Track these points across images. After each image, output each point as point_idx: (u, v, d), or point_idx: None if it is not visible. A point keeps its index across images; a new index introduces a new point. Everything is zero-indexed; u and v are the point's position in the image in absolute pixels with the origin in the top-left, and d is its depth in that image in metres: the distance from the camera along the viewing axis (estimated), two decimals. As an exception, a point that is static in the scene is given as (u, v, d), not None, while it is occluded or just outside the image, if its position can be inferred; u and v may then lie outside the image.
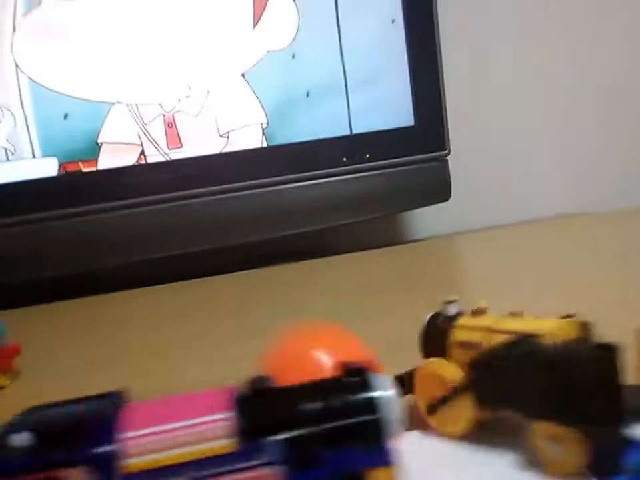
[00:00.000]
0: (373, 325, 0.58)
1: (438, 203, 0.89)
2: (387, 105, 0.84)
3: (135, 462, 0.19)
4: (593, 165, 1.07)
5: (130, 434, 0.20)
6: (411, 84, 0.84)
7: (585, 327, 0.27)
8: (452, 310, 0.35)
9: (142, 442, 0.20)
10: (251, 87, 0.80)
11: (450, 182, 0.88)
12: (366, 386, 0.21)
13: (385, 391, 0.21)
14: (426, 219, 1.03)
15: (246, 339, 0.57)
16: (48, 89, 0.75)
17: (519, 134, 1.04)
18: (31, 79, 0.74)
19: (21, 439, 0.19)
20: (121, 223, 0.78)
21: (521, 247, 0.83)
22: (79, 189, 0.77)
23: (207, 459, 0.19)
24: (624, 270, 0.67)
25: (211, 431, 0.20)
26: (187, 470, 0.19)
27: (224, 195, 0.81)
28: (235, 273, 0.85)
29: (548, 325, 0.27)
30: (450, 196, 0.88)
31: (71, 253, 0.77)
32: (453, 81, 0.88)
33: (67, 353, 0.65)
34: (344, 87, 0.83)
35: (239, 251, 0.87)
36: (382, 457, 0.20)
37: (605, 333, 0.27)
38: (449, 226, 1.02)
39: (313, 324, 0.35)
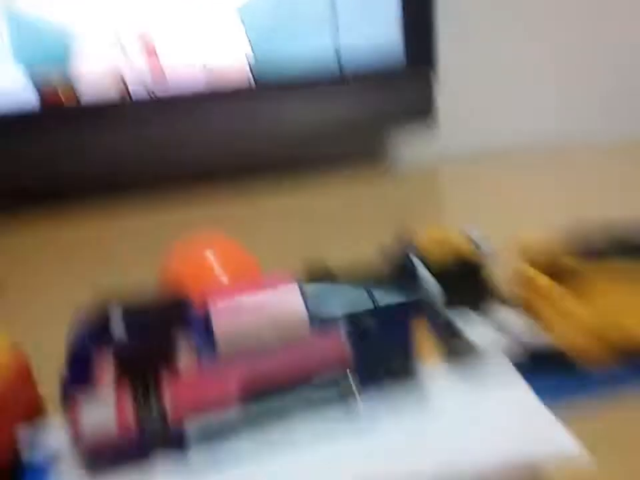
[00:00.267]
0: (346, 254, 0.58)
1: (422, 124, 0.89)
2: (373, 22, 0.82)
3: (223, 331, 0.22)
4: (581, 94, 1.07)
5: (217, 307, 0.23)
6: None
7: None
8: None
9: (228, 314, 0.22)
10: (239, 19, 0.77)
11: (435, 100, 0.87)
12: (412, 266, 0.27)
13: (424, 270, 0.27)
14: (410, 149, 1.04)
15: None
16: (24, 13, 0.72)
17: (507, 62, 1.04)
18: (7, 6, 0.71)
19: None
20: (103, 160, 0.77)
21: (507, 177, 0.84)
22: (59, 123, 0.76)
23: (285, 329, 0.22)
24: (606, 201, 0.68)
25: (286, 305, 0.23)
26: (269, 340, 0.22)
27: (208, 128, 0.80)
28: (219, 201, 0.85)
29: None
30: (435, 116, 0.88)
31: (51, 190, 0.77)
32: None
33: (47, 268, 0.65)
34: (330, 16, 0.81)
35: (221, 177, 0.87)
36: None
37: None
38: (434, 155, 1.03)
39: (204, 235, 0.40)
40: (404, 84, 0.86)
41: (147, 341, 0.21)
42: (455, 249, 0.31)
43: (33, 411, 0.25)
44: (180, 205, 0.83)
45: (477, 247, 0.32)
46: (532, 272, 0.29)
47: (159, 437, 0.21)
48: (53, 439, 0.23)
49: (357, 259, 0.30)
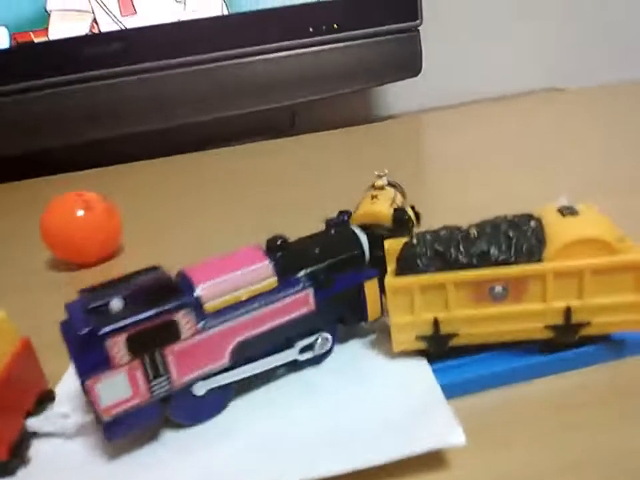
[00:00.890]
0: (332, 205, 0.59)
1: (409, 77, 0.87)
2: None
3: (211, 304, 0.26)
4: (569, 39, 1.04)
5: (203, 283, 0.26)
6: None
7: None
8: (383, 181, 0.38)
9: (214, 289, 0.26)
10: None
11: (421, 54, 0.85)
12: (352, 233, 0.31)
13: (362, 234, 0.31)
14: (396, 95, 1.01)
15: (232, 211, 0.60)
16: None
17: (495, 6, 0.99)
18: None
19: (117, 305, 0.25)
20: (77, 98, 0.76)
21: (493, 125, 0.82)
22: (31, 61, 0.74)
23: (261, 294, 0.27)
24: (592, 147, 0.67)
25: (258, 274, 0.27)
26: (248, 305, 0.27)
27: (183, 69, 0.77)
28: (202, 152, 0.85)
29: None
30: (421, 70, 0.86)
31: (23, 131, 0.76)
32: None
33: None
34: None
35: (204, 128, 0.85)
36: (370, 273, 0.30)
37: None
38: (420, 102, 1.00)
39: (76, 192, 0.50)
40: (390, 32, 0.83)
41: (153, 321, 0.25)
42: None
43: (39, 390, 0.29)
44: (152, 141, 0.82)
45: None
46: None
47: (168, 398, 0.26)
48: (59, 419, 0.27)
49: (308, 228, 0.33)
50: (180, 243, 0.53)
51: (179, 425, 0.27)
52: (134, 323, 0.24)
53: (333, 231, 0.32)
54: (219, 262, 0.28)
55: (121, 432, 0.25)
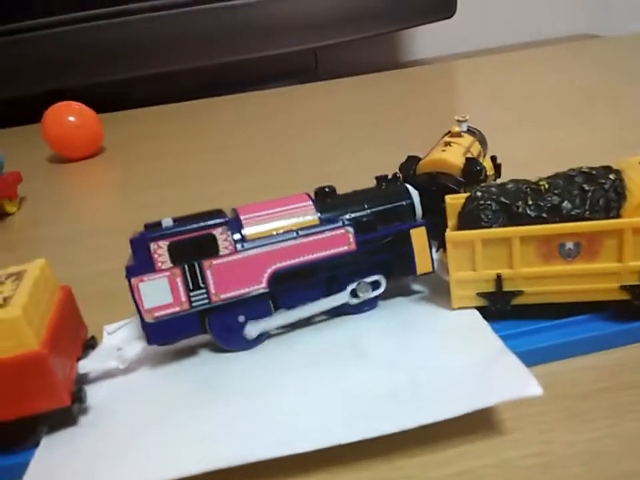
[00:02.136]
0: (364, 154, 0.57)
1: (441, 19, 0.82)
2: None
3: (251, 231, 0.28)
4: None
5: (247, 215, 0.28)
6: None
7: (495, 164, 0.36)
8: (463, 127, 0.36)
9: (256, 219, 0.28)
10: None
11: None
12: (402, 187, 0.30)
13: (413, 189, 0.30)
14: (426, 39, 0.96)
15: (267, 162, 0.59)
16: None
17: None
18: None
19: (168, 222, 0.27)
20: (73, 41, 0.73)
21: (526, 72, 0.78)
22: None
23: (302, 227, 0.28)
24: (628, 99, 0.64)
25: (301, 211, 0.29)
26: (287, 235, 0.28)
27: (195, 7, 0.74)
28: (226, 97, 0.82)
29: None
30: (455, 12, 0.81)
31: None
32: None
33: (64, 178, 0.65)
34: None
35: (225, 71, 0.82)
36: (417, 223, 0.29)
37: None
38: (451, 46, 0.96)
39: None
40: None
41: (193, 233, 0.26)
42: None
43: (83, 337, 0.29)
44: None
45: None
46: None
47: (206, 309, 0.27)
48: (114, 352, 0.27)
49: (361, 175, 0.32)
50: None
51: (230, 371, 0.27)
52: (176, 232, 0.26)
53: (383, 186, 0.31)
54: (267, 202, 0.30)
55: (163, 337, 0.27)
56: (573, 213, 0.26)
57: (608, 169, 0.26)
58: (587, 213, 0.25)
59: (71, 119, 0.65)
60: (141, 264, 0.26)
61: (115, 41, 0.74)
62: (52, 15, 0.71)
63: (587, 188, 0.26)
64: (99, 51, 0.74)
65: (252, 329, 0.28)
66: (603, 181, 0.25)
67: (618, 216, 0.25)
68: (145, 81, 0.76)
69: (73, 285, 0.29)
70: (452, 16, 0.82)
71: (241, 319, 0.28)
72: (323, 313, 0.30)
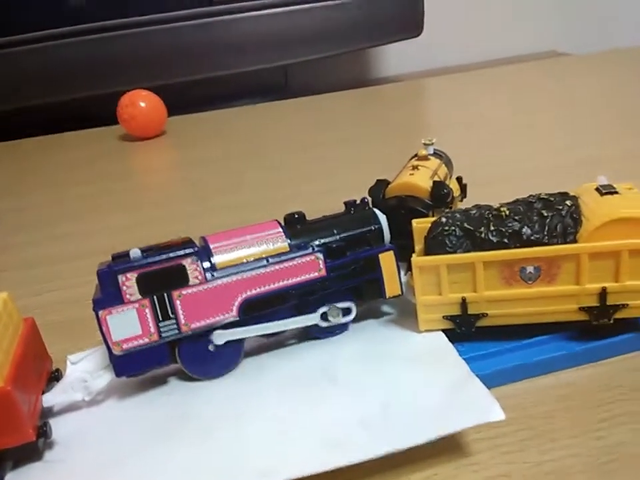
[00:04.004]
0: (333, 172, 0.57)
1: (409, 37, 0.84)
2: None
3: (221, 259, 0.28)
4: (571, 4, 1.01)
5: (217, 243, 0.28)
6: None
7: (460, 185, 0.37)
8: (430, 150, 0.37)
9: (225, 247, 0.28)
10: None
11: (423, 14, 0.82)
12: (370, 212, 0.31)
13: (381, 214, 0.31)
14: (395, 57, 0.98)
15: (230, 185, 0.58)
16: None
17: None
18: None
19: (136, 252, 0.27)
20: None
21: (494, 89, 0.80)
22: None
23: (272, 255, 0.28)
24: (591, 114, 0.66)
25: (270, 239, 0.29)
26: (256, 263, 0.28)
27: (170, 25, 0.74)
28: (195, 114, 0.82)
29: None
30: (422, 31, 0.83)
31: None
32: None
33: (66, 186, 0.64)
34: None
35: (194, 88, 0.82)
36: (385, 247, 0.30)
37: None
38: (420, 64, 0.98)
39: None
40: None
41: (163, 264, 0.27)
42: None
43: (48, 369, 0.29)
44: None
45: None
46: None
47: (175, 340, 0.28)
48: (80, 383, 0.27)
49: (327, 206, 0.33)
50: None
51: (203, 403, 0.27)
52: (145, 264, 0.26)
53: (352, 211, 0.32)
54: (237, 230, 0.30)
55: (131, 369, 0.27)
56: (532, 238, 0.26)
57: (565, 195, 0.27)
58: (546, 238, 0.26)
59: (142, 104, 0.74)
60: (109, 296, 0.26)
61: (87, 58, 0.74)
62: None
63: (545, 214, 0.27)
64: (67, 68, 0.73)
65: (218, 338, 0.28)
66: (560, 207, 0.26)
67: (574, 241, 0.26)
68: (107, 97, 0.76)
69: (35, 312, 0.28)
70: (419, 35, 0.84)
71: (211, 347, 0.28)
72: (294, 335, 0.30)
